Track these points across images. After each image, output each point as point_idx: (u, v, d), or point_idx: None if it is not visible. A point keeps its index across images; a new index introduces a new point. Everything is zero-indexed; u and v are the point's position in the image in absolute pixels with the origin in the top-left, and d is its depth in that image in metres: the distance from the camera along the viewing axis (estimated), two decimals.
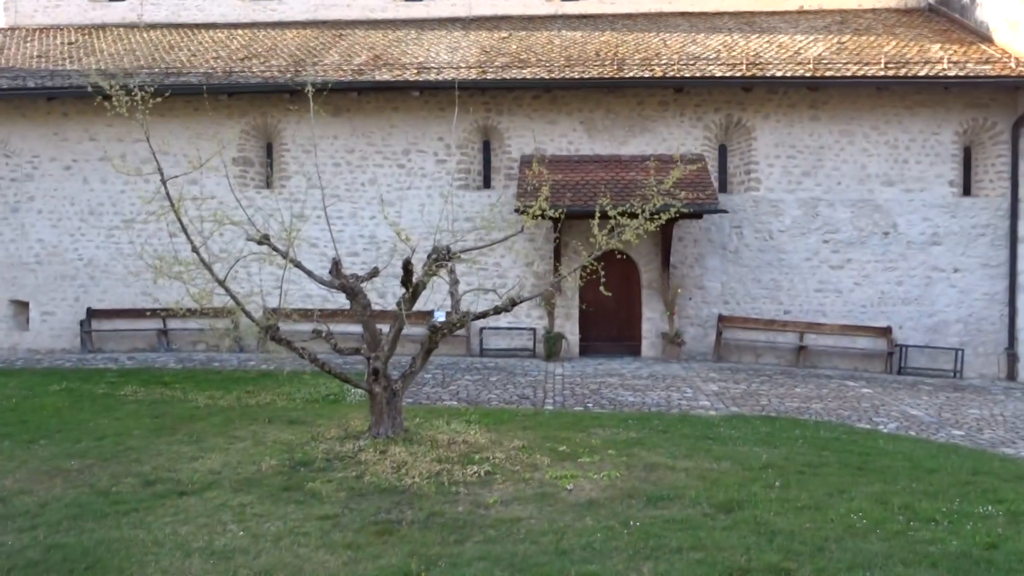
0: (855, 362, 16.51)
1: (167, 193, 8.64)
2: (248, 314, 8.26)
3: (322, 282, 8.56)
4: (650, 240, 16.43)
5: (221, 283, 8.25)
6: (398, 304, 8.37)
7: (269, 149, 17.55)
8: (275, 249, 8.53)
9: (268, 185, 17.52)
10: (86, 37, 19.50)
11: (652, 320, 16.71)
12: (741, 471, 7.67)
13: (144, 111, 8.40)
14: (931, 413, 11.85)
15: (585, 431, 9.55)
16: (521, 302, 8.98)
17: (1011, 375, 16.19)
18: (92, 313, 17.24)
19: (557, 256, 16.39)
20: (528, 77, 16.01)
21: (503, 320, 16.79)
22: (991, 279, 16.36)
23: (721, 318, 16.50)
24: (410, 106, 16.94)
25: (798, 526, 5.90)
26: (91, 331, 17.17)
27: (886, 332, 16.31)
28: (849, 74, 15.60)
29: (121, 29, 19.85)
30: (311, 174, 17.00)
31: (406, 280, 8.18)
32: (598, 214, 9.26)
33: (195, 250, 8.36)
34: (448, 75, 16.26)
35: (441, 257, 8.21)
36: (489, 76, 16.13)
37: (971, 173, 16.70)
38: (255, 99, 17.09)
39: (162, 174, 8.83)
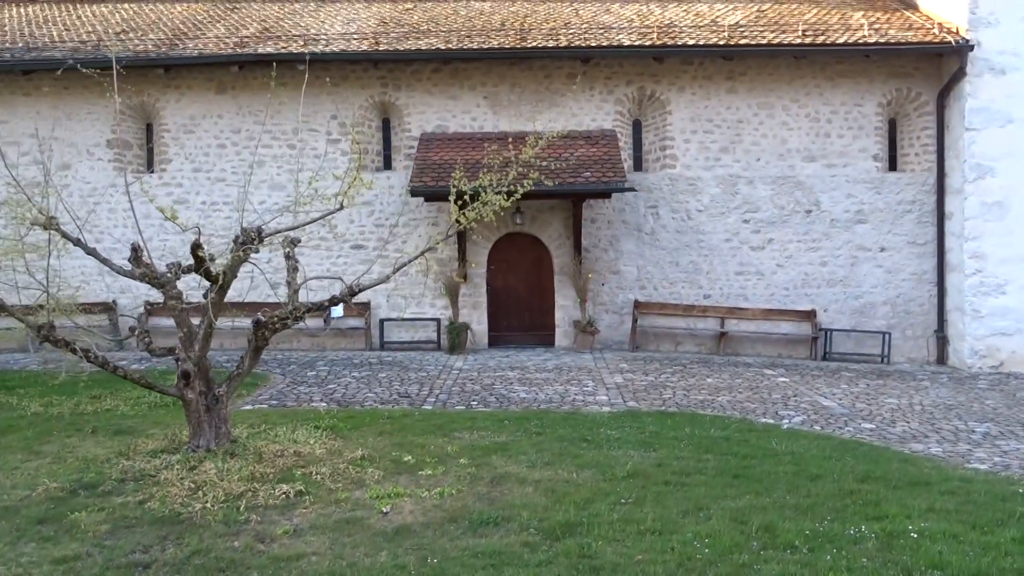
0: (778, 348, 15.64)
1: None
2: (9, 311, 6.99)
3: (121, 272, 7.31)
4: (561, 222, 15.40)
5: None
6: (204, 297, 7.14)
7: (150, 131, 16.12)
8: (64, 235, 7.26)
9: (150, 169, 16.09)
10: None
11: (565, 308, 15.66)
12: (599, 482, 6.62)
13: None
14: (845, 404, 10.95)
15: (448, 435, 8.45)
16: (361, 290, 7.81)
17: (941, 359, 15.45)
18: None
19: (462, 241, 15.25)
20: (423, 48, 14.79)
21: (407, 311, 15.68)
22: (919, 258, 15.58)
23: (637, 304, 15.50)
24: (299, 82, 15.48)
25: (628, 559, 4.84)
26: None
27: (810, 316, 15.45)
28: (765, 42, 14.64)
29: None
30: (193, 156, 15.72)
31: (198, 268, 6.95)
32: (453, 192, 8.14)
33: None
34: (338, 47, 14.99)
35: (249, 240, 7.00)
36: (382, 48, 14.88)
37: (896, 147, 15.89)
38: (130, 76, 15.50)
39: None
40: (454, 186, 8.15)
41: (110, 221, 15.62)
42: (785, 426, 9.37)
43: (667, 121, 15.58)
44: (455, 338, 14.91)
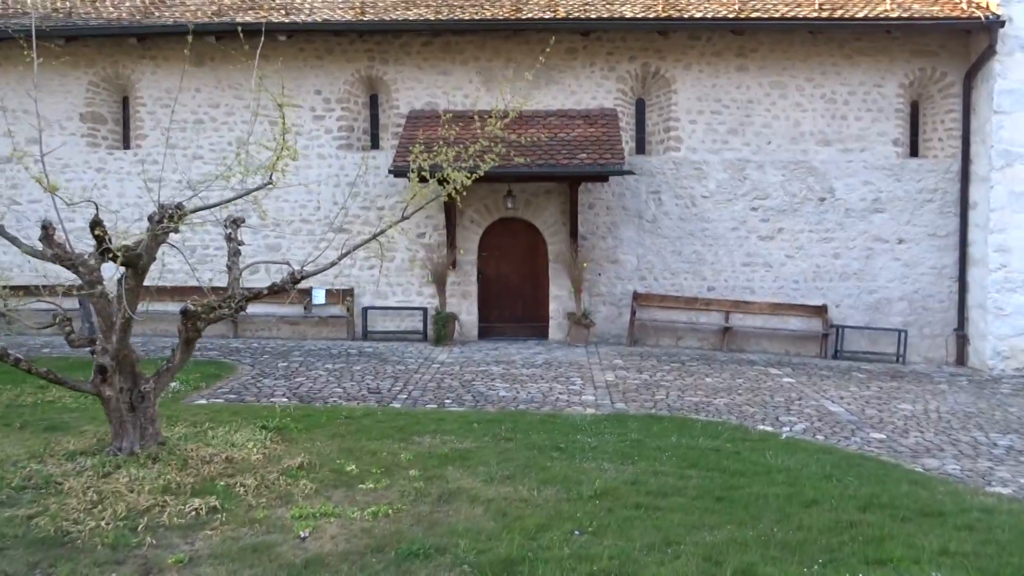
0: (786, 345, 14.66)
1: None
2: None
3: (32, 253, 6.49)
4: (557, 207, 14.49)
5: None
6: (119, 283, 6.30)
7: (126, 104, 15.32)
8: None
9: (126, 145, 15.30)
10: None
11: (560, 298, 14.76)
12: (561, 503, 5.75)
13: None
14: (853, 409, 10.00)
15: (407, 440, 7.61)
16: (303, 278, 6.95)
17: (960, 359, 14.42)
18: None
19: (451, 226, 14.37)
20: (411, 18, 13.86)
21: (392, 299, 14.84)
22: (939, 251, 14.53)
23: (636, 296, 14.57)
24: (282, 54, 14.68)
25: None
26: None
27: (821, 311, 14.47)
28: (778, 15, 13.58)
29: None
30: (170, 132, 14.89)
31: (99, 249, 6.10)
32: (414, 170, 7.27)
33: None
34: (321, 16, 14.09)
35: (166, 217, 6.15)
36: (367, 18, 13.96)
37: (918, 131, 14.82)
38: (104, 46, 14.82)
39: None
40: (413, 161, 7.26)
41: (83, 199, 14.81)
42: (784, 435, 8.45)
43: (672, 100, 14.59)
44: (441, 329, 14.06)
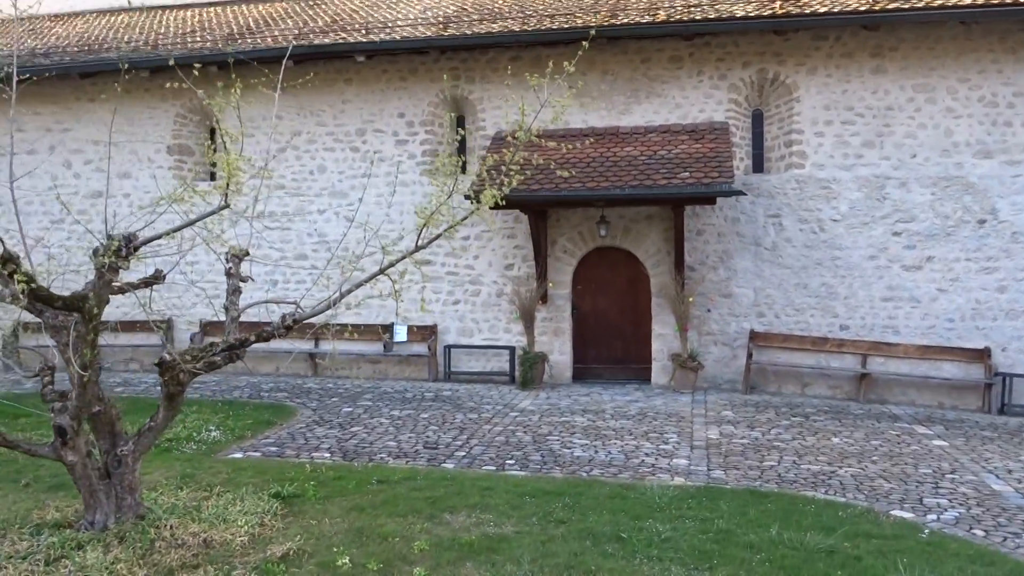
0: (938, 395, 12.26)
1: None
2: None
3: None
4: (659, 234, 12.87)
5: None
6: (73, 331, 5.26)
7: (213, 136, 14.96)
8: None
9: (212, 177, 14.92)
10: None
11: (664, 337, 13.03)
12: None
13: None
14: None
15: (435, 518, 6.24)
16: (296, 323, 5.74)
17: None
18: None
19: (540, 255, 13.00)
20: (494, 31, 12.70)
21: (477, 336, 13.59)
22: None
23: (753, 335, 12.63)
24: (364, 77, 13.96)
25: None
26: None
27: (982, 355, 12.01)
28: (922, 5, 11.47)
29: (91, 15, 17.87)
30: (252, 162, 14.35)
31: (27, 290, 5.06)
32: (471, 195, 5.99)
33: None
34: (401, 34, 13.19)
35: (120, 248, 5.09)
36: (449, 33, 12.93)
37: None
38: (190, 77, 14.49)
39: None
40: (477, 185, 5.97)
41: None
42: (929, 528, 6.44)
43: (794, 110, 12.66)
44: (528, 371, 12.65)
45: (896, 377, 12.32)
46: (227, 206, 5.79)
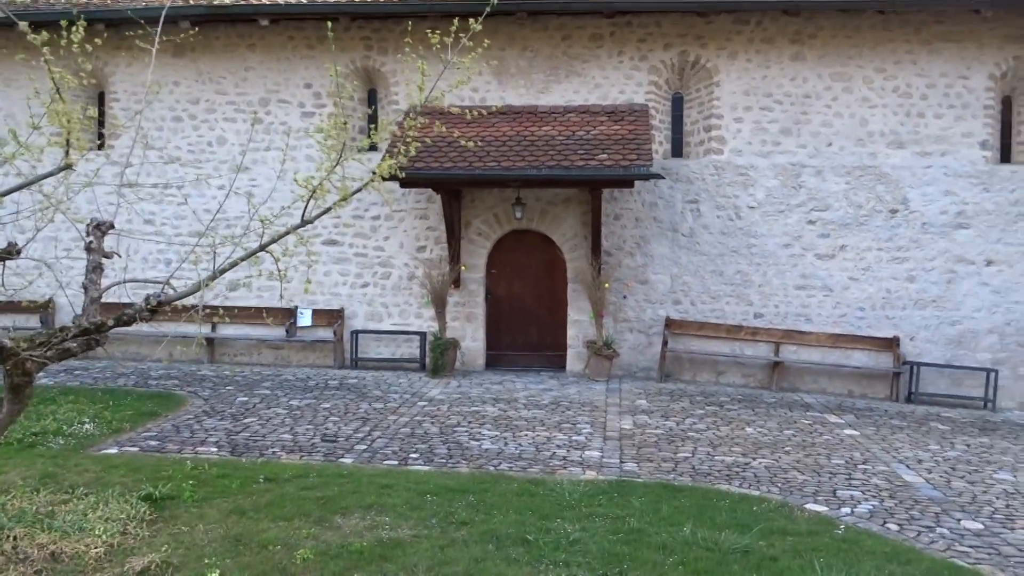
0: (849, 384, 12.31)
1: None
2: None
3: None
4: (577, 218, 12.49)
5: None
6: None
7: (101, 99, 13.84)
8: None
9: (99, 146, 13.81)
10: None
11: (580, 324, 12.70)
12: None
13: None
14: (936, 480, 7.71)
15: (325, 521, 5.68)
16: (161, 305, 5.07)
17: None
18: None
19: (453, 237, 12.46)
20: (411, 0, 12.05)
21: (387, 321, 12.98)
22: None
23: (669, 322, 12.43)
24: (269, 44, 13.09)
25: None
26: None
27: (891, 344, 12.10)
28: None
29: None
30: (145, 131, 13.36)
31: None
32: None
33: None
34: None
35: None
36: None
37: (1011, 132, 12.38)
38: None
39: None
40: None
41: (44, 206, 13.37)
42: (843, 522, 6.23)
43: (714, 95, 12.45)
44: (439, 357, 12.12)
45: (808, 365, 12.31)
46: (69, 166, 5.03)
